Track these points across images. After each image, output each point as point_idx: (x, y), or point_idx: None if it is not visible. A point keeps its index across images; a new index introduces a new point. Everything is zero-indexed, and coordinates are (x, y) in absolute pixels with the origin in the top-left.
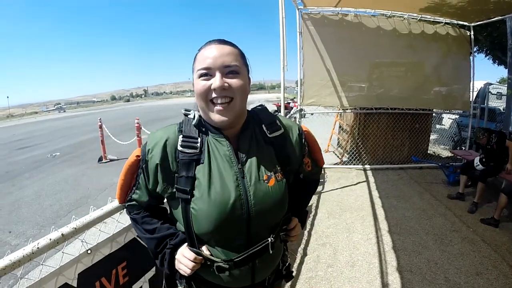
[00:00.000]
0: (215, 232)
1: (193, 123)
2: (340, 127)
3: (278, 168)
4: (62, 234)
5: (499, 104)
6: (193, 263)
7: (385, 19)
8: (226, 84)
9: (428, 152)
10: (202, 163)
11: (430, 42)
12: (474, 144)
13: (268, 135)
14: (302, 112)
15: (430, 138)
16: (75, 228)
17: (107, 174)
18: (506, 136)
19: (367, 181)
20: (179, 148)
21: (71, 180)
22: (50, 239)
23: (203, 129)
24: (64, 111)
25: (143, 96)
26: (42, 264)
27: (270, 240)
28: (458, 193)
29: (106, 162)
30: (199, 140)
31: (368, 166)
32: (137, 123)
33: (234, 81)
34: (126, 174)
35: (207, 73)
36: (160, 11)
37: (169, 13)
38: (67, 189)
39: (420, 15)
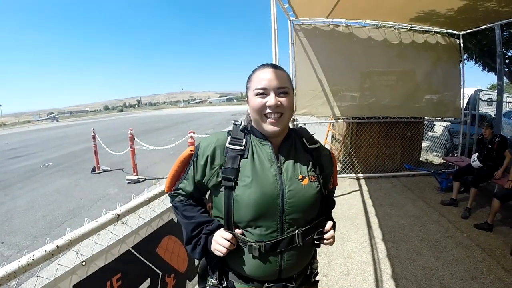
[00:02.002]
0: (252, 219)
1: (240, 128)
2: (332, 136)
3: (313, 173)
4: (57, 246)
5: (490, 110)
6: (229, 243)
7: (376, 29)
8: (279, 103)
9: (421, 159)
10: (246, 158)
11: (421, 51)
12: (466, 150)
13: (308, 146)
14: (295, 123)
15: (422, 145)
16: (70, 240)
17: (100, 184)
18: (508, 144)
19: (361, 189)
20: (227, 145)
21: (64, 191)
22: (45, 251)
23: (249, 134)
24: (57, 121)
25: (136, 106)
26: (37, 276)
27: (297, 232)
28: (451, 199)
29: (99, 173)
30: (244, 140)
31: (361, 174)
32: (131, 133)
33: (284, 100)
34: (178, 166)
35: (263, 92)
36: (153, 22)
37: (162, 24)
38: (60, 200)
39: (410, 25)
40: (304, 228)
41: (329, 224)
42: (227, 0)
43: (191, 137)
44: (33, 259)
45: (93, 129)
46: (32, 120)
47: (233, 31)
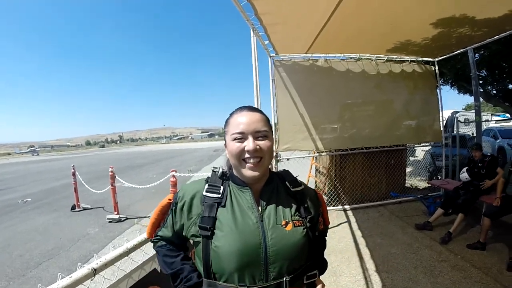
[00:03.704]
0: (233, 270)
1: (218, 175)
2: (316, 169)
3: (297, 217)
4: None
5: (467, 130)
6: None
7: (354, 62)
8: (258, 147)
9: (406, 185)
10: (224, 206)
11: (398, 80)
12: (450, 172)
13: (291, 189)
14: (278, 158)
15: (406, 171)
16: None
17: (80, 223)
18: (498, 163)
19: (349, 221)
20: (204, 193)
21: (42, 229)
22: None
23: (227, 181)
24: (38, 154)
25: (118, 142)
26: None
27: (285, 279)
28: (426, 222)
29: (79, 211)
30: (222, 188)
31: (348, 206)
32: (111, 171)
33: (263, 143)
34: (157, 214)
35: (241, 137)
36: (136, 58)
37: (145, 61)
38: (38, 239)
39: (387, 56)
40: (291, 276)
41: (319, 287)
42: (209, 36)
43: (173, 175)
44: None
45: (73, 165)
46: (12, 153)
47: (214, 68)
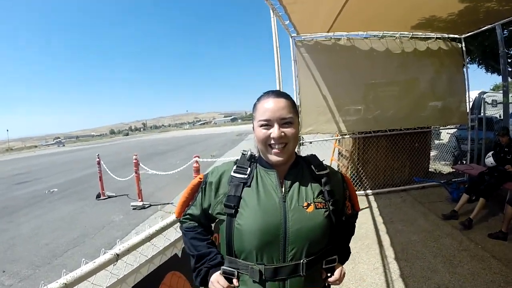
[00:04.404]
0: (253, 248)
1: (247, 157)
2: (339, 153)
3: (321, 199)
4: None
5: (495, 112)
6: None
7: (377, 40)
8: (282, 134)
9: (430, 170)
10: (249, 186)
11: (423, 58)
12: (475, 156)
13: (316, 172)
14: (301, 141)
15: (430, 155)
16: (65, 283)
17: (105, 211)
18: None
19: (370, 206)
20: (232, 173)
21: (68, 218)
22: None
23: (255, 163)
24: (64, 145)
25: (141, 129)
26: None
27: (302, 261)
28: (452, 211)
29: (104, 199)
30: (249, 169)
31: (370, 191)
32: (135, 159)
33: (288, 130)
34: (188, 193)
35: (267, 124)
36: (158, 46)
37: (167, 48)
38: (64, 227)
39: (411, 33)
40: (309, 258)
41: (338, 270)
42: (228, 19)
43: (196, 161)
44: None
45: (98, 154)
46: (38, 145)
47: (235, 50)
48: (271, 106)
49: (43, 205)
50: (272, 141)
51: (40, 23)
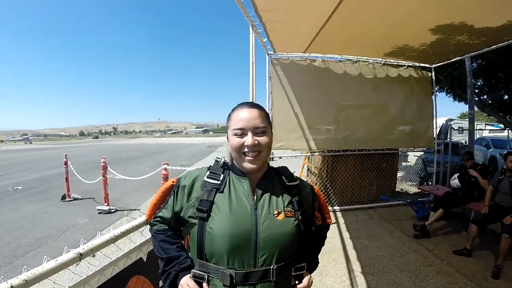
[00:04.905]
0: (224, 252)
1: (220, 164)
2: (308, 169)
3: (290, 208)
4: (11, 286)
5: (461, 138)
6: None
7: (351, 64)
8: (256, 142)
9: (396, 189)
10: (222, 192)
11: (394, 84)
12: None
13: (287, 183)
14: (271, 156)
15: (397, 175)
16: (25, 280)
17: (69, 213)
18: (489, 173)
19: (337, 222)
20: (205, 179)
21: (31, 217)
22: None
23: (228, 170)
24: (31, 143)
25: (112, 133)
26: None
27: (272, 267)
28: (422, 224)
29: (69, 201)
30: (222, 176)
31: (338, 207)
32: (103, 162)
33: (262, 139)
34: (160, 196)
35: (241, 133)
36: (134, 51)
37: (143, 54)
38: (27, 227)
39: (384, 60)
40: (279, 264)
41: (305, 279)
42: (208, 32)
43: (165, 169)
44: None
45: (66, 154)
46: (5, 140)
47: (211, 63)
48: (245, 116)
49: (5, 203)
50: (246, 149)
51: (12, 18)
